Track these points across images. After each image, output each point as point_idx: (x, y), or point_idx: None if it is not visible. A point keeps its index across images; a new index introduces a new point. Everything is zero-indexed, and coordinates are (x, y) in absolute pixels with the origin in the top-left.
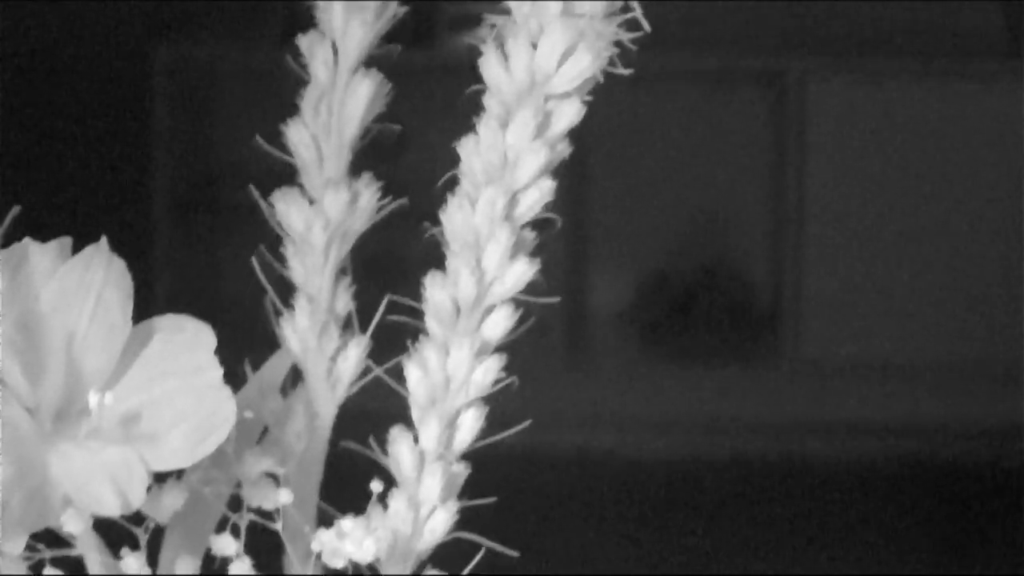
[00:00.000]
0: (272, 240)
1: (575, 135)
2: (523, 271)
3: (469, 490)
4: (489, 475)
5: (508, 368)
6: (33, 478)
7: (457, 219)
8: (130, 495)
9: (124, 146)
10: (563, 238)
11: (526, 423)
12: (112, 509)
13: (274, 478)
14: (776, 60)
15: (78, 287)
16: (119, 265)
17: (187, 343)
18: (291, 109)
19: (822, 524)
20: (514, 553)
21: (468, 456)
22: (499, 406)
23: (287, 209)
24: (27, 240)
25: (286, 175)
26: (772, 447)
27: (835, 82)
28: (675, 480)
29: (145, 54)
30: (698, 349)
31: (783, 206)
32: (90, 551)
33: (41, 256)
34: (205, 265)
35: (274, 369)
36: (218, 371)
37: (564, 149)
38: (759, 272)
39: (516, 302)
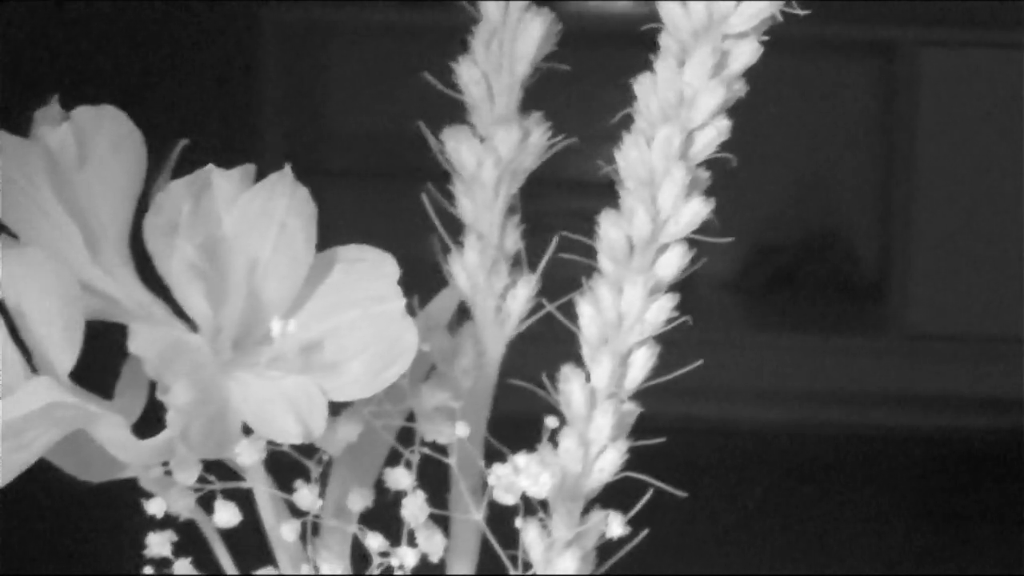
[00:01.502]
0: (378, 208)
1: None
2: (698, 210)
3: None
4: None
5: None
6: (213, 405)
7: (633, 157)
8: (311, 424)
9: (233, 110)
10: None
11: (699, 362)
12: (293, 437)
13: (448, 412)
14: (888, 29)
15: (261, 214)
16: (303, 193)
17: (369, 272)
18: (401, 71)
19: (927, 495)
20: (682, 494)
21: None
22: None
23: (458, 146)
24: (210, 166)
25: (394, 137)
26: (876, 419)
27: (947, 52)
28: (778, 450)
29: (253, 16)
30: (804, 319)
31: (893, 177)
32: (260, 484)
33: (224, 182)
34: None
35: (442, 306)
36: (401, 301)
37: (740, 89)
38: (867, 243)
39: (689, 241)
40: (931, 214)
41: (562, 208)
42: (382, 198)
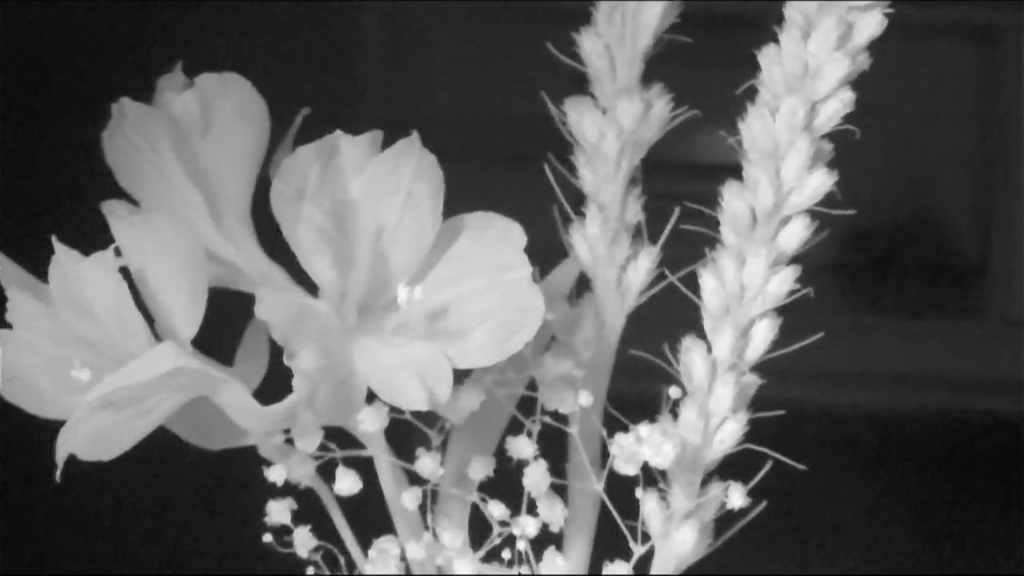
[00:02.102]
0: (480, 189)
1: None
2: (821, 182)
3: None
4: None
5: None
6: (339, 371)
7: (757, 128)
8: (437, 391)
9: (333, 91)
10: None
11: (819, 335)
12: (419, 404)
13: (570, 382)
14: (990, 13)
15: (389, 181)
16: (430, 160)
17: (496, 240)
18: (503, 55)
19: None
20: (801, 467)
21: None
22: None
23: (580, 118)
24: (338, 132)
25: (498, 120)
26: (975, 404)
27: None
28: (876, 433)
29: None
30: (903, 304)
31: (994, 161)
32: (381, 452)
33: (352, 148)
34: None
35: (562, 277)
36: (527, 269)
37: (864, 61)
38: (967, 227)
39: (811, 213)
40: None
41: (678, 191)
42: (484, 179)
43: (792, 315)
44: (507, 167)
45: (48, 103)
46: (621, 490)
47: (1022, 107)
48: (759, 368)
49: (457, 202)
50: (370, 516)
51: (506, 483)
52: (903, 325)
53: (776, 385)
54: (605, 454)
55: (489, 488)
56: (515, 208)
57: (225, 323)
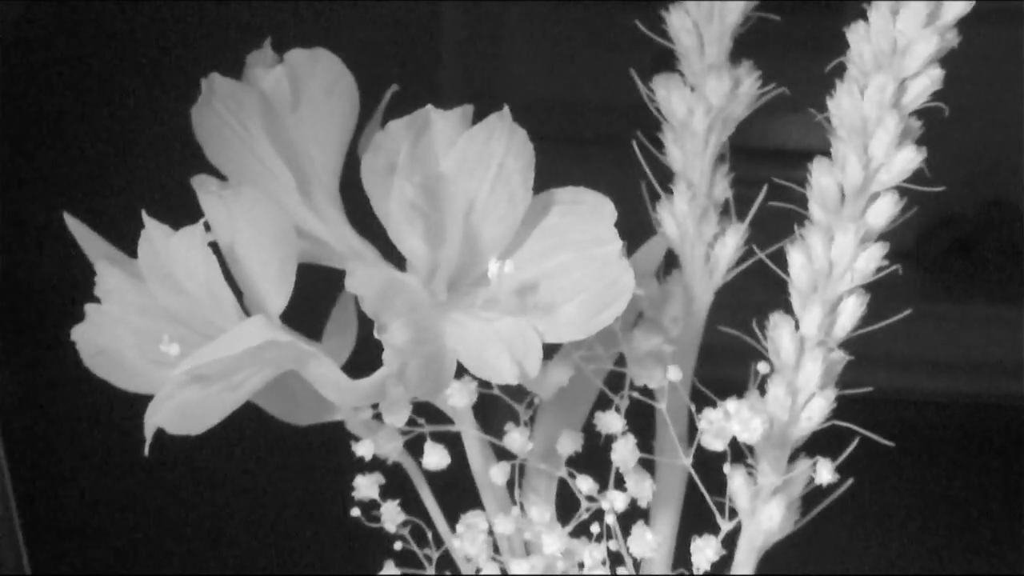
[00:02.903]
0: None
1: None
2: (910, 158)
3: None
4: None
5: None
6: (430, 345)
7: (845, 105)
8: (526, 365)
9: (414, 75)
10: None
11: (908, 311)
12: (509, 378)
13: (659, 357)
14: None
15: (480, 155)
16: (521, 135)
17: (587, 215)
18: (587, 34)
19: None
20: (889, 443)
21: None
22: None
23: (668, 95)
24: (429, 106)
25: (566, 108)
26: None
27: None
28: (956, 421)
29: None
30: (982, 290)
31: None
32: (469, 427)
33: (443, 123)
34: None
35: (649, 254)
36: (618, 243)
37: (953, 38)
38: None
39: (900, 190)
40: None
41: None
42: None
43: (873, 301)
44: (593, 148)
45: (134, 78)
46: (709, 466)
47: None
48: (847, 347)
49: (546, 183)
50: (458, 491)
51: (594, 458)
52: (983, 311)
53: (858, 371)
54: (693, 430)
55: (577, 463)
56: (603, 187)
57: (314, 300)
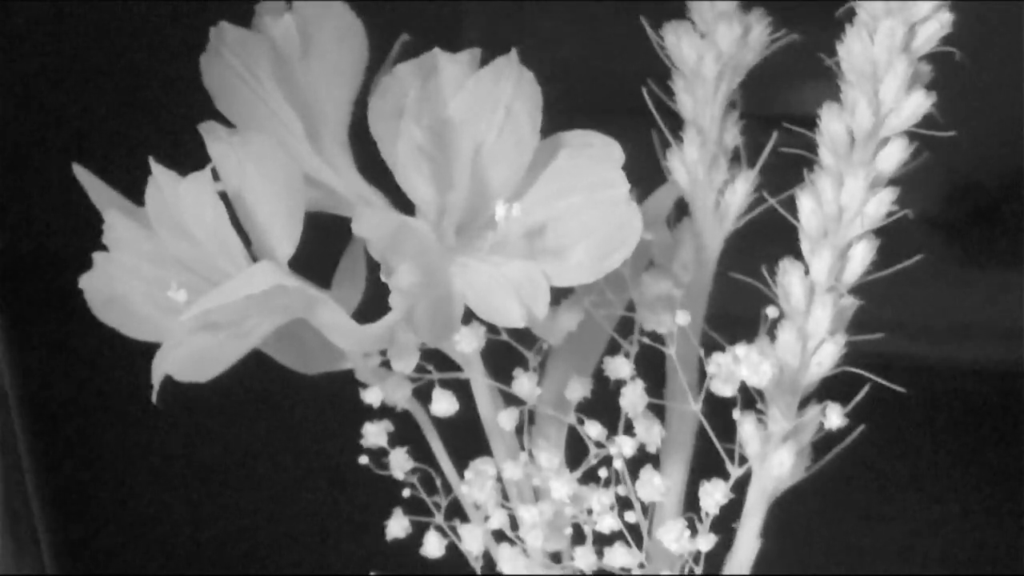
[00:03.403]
0: None
1: None
2: (919, 103)
3: None
4: (825, 387)
5: None
6: (438, 288)
7: (855, 50)
8: (534, 308)
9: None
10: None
11: (919, 256)
12: (516, 321)
13: (668, 302)
14: None
15: (487, 98)
16: (529, 78)
17: (595, 158)
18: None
19: None
20: (901, 389)
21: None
22: None
23: (678, 41)
24: (437, 50)
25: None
26: None
27: None
28: (977, 386)
29: None
30: (1004, 255)
31: None
32: (477, 373)
33: (451, 66)
34: None
35: (660, 201)
36: (626, 186)
37: None
38: None
39: (910, 135)
40: None
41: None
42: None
43: (894, 265)
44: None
45: (143, 26)
46: (719, 413)
47: None
48: (859, 321)
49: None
50: (467, 439)
51: (605, 404)
52: (1006, 277)
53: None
54: (703, 377)
55: (588, 410)
56: (614, 133)
57: (325, 250)
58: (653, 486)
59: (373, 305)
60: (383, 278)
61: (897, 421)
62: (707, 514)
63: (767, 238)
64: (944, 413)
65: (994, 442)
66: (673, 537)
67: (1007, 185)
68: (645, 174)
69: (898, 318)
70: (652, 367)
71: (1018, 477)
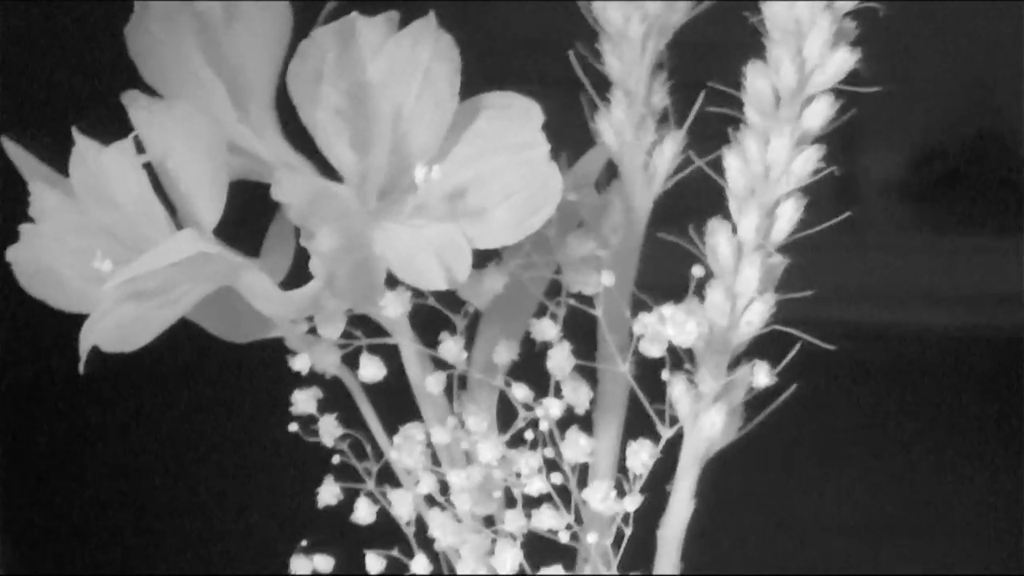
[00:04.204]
0: None
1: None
2: (844, 59)
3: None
4: (760, 348)
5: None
6: (358, 252)
7: (778, 7)
8: (456, 270)
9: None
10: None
11: (847, 213)
12: (438, 284)
13: (594, 263)
14: None
15: (406, 62)
16: (447, 39)
17: (514, 119)
18: None
19: None
20: (830, 347)
21: (754, 343)
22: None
23: (604, 4)
24: (355, 14)
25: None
26: None
27: None
28: (942, 352)
29: None
30: (969, 221)
31: None
32: (405, 338)
33: (369, 30)
34: None
35: (589, 164)
36: (546, 146)
37: None
38: None
39: (836, 92)
40: None
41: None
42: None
43: (860, 234)
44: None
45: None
46: (653, 375)
47: None
48: (828, 290)
49: None
50: (398, 404)
51: (540, 368)
52: (970, 242)
53: (844, 305)
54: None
55: (523, 373)
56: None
57: (256, 219)
58: (579, 447)
59: (305, 273)
60: (303, 243)
61: (855, 385)
62: (635, 475)
63: (698, 199)
64: (920, 377)
65: (973, 404)
66: (600, 497)
67: (970, 153)
68: (576, 139)
69: (866, 286)
70: (585, 330)
71: (994, 434)
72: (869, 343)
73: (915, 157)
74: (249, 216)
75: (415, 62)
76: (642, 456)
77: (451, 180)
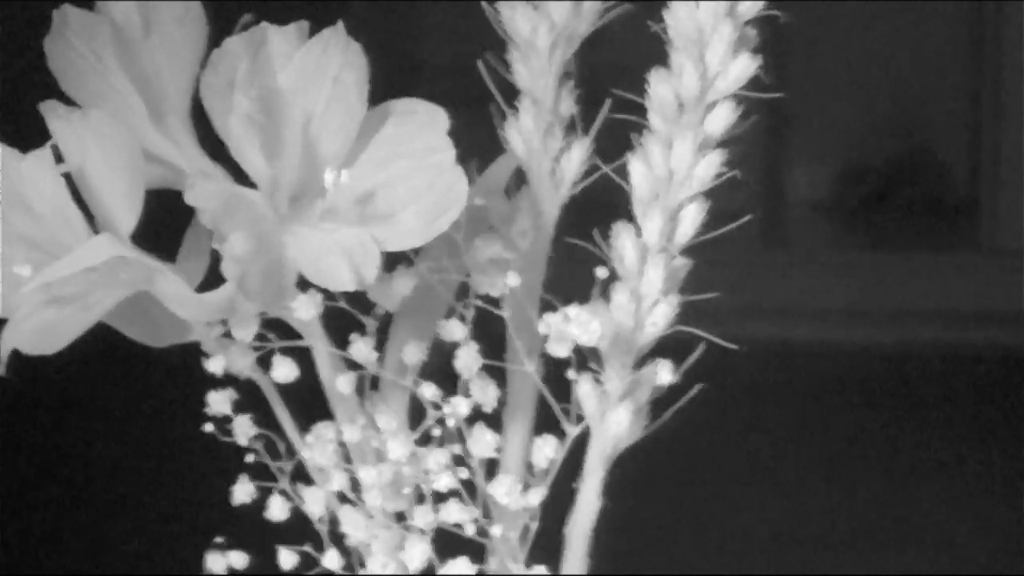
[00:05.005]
0: None
1: (776, 24)
2: (745, 66)
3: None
4: (690, 365)
5: (704, 256)
6: (269, 256)
7: (681, 14)
8: (364, 271)
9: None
10: (763, 127)
11: (748, 216)
12: (347, 285)
13: (501, 265)
14: None
15: (315, 69)
16: (355, 48)
17: (421, 124)
18: None
19: (1019, 411)
20: (734, 347)
21: (664, 345)
22: (696, 292)
23: (512, 14)
24: (265, 23)
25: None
26: (969, 336)
27: None
28: (871, 368)
29: None
30: (895, 238)
31: (982, 93)
32: (318, 340)
33: (280, 39)
34: None
35: (498, 171)
36: (451, 151)
37: None
38: (957, 161)
39: (737, 98)
40: (1020, 131)
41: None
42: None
43: (787, 251)
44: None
45: None
46: (561, 375)
47: (1011, 44)
48: (755, 306)
49: None
50: (312, 405)
51: (451, 368)
52: (898, 259)
53: (772, 323)
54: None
55: (438, 374)
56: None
57: (170, 231)
58: (485, 442)
59: (220, 279)
60: (215, 245)
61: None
62: (540, 469)
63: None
64: (848, 393)
65: (900, 418)
66: (504, 491)
67: (899, 170)
68: (487, 149)
69: (793, 303)
70: (497, 332)
71: (921, 446)
72: (797, 359)
73: (845, 174)
74: (167, 225)
75: (324, 70)
76: (546, 451)
77: (360, 185)
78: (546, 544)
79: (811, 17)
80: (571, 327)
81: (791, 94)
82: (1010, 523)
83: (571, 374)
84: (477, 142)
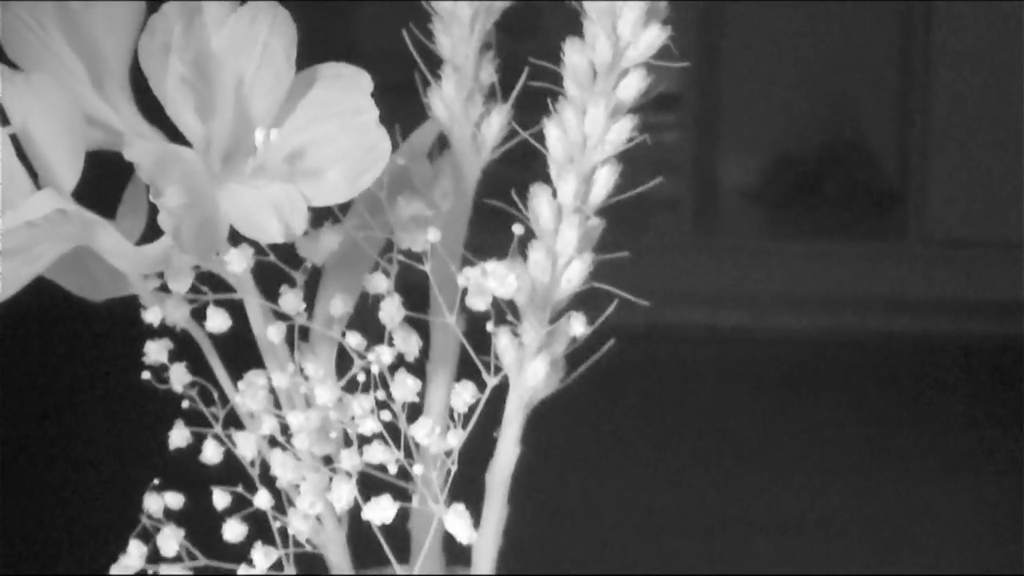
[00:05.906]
0: None
1: (707, 16)
2: (655, 36)
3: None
4: (618, 351)
5: (636, 245)
6: (203, 209)
7: None
8: (292, 224)
9: None
10: (693, 118)
11: (655, 180)
12: (276, 236)
13: (422, 222)
14: None
15: (247, 35)
16: (284, 15)
17: (347, 87)
18: None
19: (944, 398)
20: (645, 303)
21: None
22: (628, 280)
23: None
24: None
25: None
26: (897, 324)
27: None
28: (800, 356)
29: None
30: (824, 227)
31: (911, 85)
32: (249, 293)
33: (214, 5)
34: None
35: (422, 136)
36: (375, 112)
37: None
38: (886, 151)
39: (648, 67)
40: (948, 121)
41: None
42: None
43: (716, 239)
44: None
45: None
46: (482, 328)
47: (934, 32)
48: (686, 294)
49: None
50: (244, 354)
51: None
52: (827, 248)
53: (703, 310)
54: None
55: (367, 325)
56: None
57: (110, 193)
58: (407, 387)
59: (158, 235)
60: (152, 199)
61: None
62: (458, 413)
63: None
64: (781, 381)
65: (832, 405)
66: (424, 433)
67: (829, 160)
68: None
69: (724, 290)
70: (422, 289)
71: (852, 434)
72: (726, 344)
73: (773, 163)
74: (106, 185)
75: (254, 36)
76: (464, 396)
77: (288, 144)
78: (468, 491)
79: (744, 8)
80: (489, 280)
81: (724, 84)
82: (935, 503)
83: (490, 327)
84: (405, 114)
